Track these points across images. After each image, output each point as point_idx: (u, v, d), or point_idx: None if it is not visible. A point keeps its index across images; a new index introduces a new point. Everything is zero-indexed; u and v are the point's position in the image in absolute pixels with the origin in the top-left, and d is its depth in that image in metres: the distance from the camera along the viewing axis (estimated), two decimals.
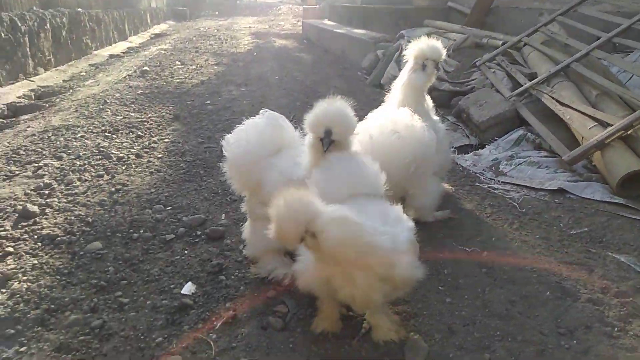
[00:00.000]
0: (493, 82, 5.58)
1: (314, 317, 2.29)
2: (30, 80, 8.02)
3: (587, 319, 2.34)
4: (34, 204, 3.39)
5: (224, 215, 3.38)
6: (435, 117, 3.41)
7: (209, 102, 6.63)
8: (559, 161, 4.18)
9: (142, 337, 2.22)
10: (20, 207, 3.32)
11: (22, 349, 2.11)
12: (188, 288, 2.57)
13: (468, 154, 4.71)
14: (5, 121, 5.78)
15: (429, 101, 3.36)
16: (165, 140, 4.94)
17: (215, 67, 9.09)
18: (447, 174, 3.83)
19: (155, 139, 4.98)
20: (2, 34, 7.06)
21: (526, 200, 3.65)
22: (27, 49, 7.89)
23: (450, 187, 3.82)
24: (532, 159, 4.32)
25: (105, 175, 3.99)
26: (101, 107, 6.01)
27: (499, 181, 4.09)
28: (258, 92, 7.05)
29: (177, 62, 9.79)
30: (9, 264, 2.71)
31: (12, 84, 7.41)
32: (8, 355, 2.06)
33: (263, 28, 16.56)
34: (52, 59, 8.94)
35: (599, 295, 2.51)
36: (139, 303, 2.45)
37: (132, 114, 5.84)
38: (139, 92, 6.90)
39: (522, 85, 5.17)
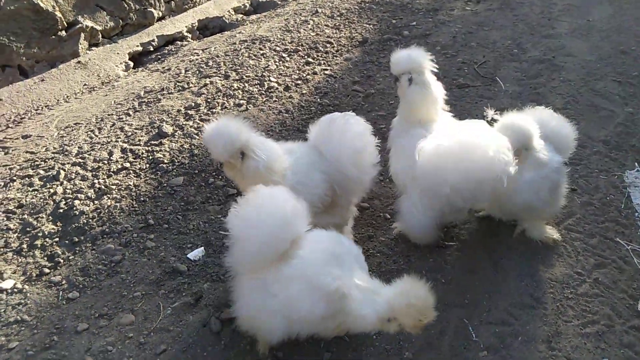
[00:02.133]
0: None
1: None
2: None
3: None
4: (173, 124, 4.08)
5: None
6: None
7: (414, 23, 6.13)
8: None
9: (131, 285, 2.69)
10: (162, 124, 4.04)
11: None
12: (196, 253, 2.87)
13: None
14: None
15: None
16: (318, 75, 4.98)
17: None
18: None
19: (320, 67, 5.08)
20: None
21: None
22: None
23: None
24: None
25: (246, 106, 4.38)
26: (313, 17, 6.27)
27: None
28: (479, 18, 6.09)
29: None
30: (117, 179, 3.47)
31: None
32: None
33: None
34: None
35: None
36: (155, 253, 2.90)
37: (327, 31, 5.94)
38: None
39: None
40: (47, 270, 2.78)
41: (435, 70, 2.80)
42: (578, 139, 3.85)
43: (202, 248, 2.91)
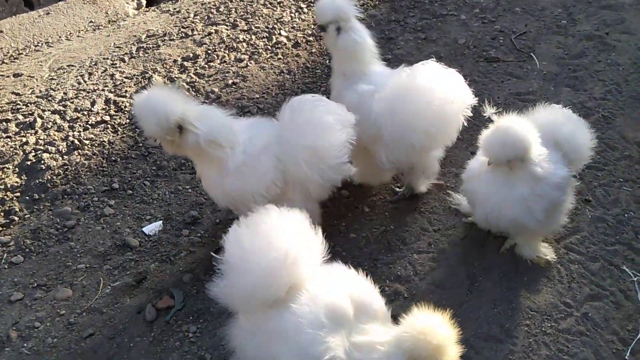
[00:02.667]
0: None
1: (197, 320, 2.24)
2: None
3: None
4: (165, 76, 3.84)
5: None
6: None
7: None
8: None
9: (78, 256, 2.57)
10: (153, 75, 3.80)
11: None
12: (153, 228, 2.70)
13: None
14: None
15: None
16: None
17: None
18: None
19: None
20: None
21: None
22: None
23: None
24: None
25: (247, 62, 4.06)
26: None
27: None
28: None
29: None
30: (92, 133, 3.30)
31: None
32: None
33: None
34: None
35: None
36: (111, 222, 2.75)
37: None
38: None
39: None
40: None
41: (361, 16, 2.53)
42: (609, 139, 3.38)
43: (161, 222, 2.73)
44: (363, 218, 2.79)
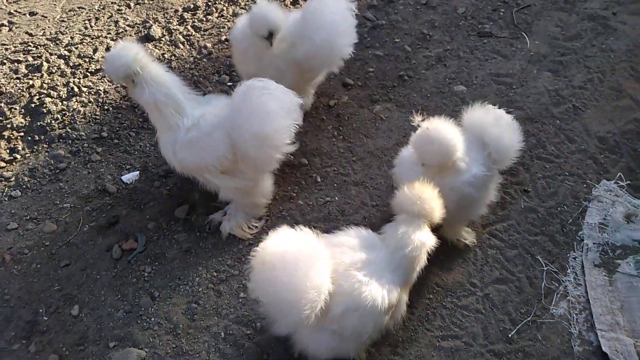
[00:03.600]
0: None
1: (153, 263, 2.73)
2: None
3: None
4: (163, 27, 4.09)
5: None
6: None
7: None
8: None
9: (65, 196, 3.03)
10: (153, 25, 4.07)
11: None
12: (130, 177, 3.11)
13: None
14: None
15: None
16: None
17: None
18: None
19: None
20: None
21: None
22: None
23: None
24: None
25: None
26: None
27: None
28: None
29: None
30: (90, 80, 3.66)
31: None
32: None
33: None
34: None
35: None
36: (97, 168, 3.17)
37: None
38: None
39: None
40: (2, 164, 3.15)
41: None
42: (571, 131, 3.51)
43: (138, 172, 3.13)
44: (314, 187, 3.11)
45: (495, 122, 2.57)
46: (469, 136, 2.55)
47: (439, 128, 2.40)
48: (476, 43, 4.21)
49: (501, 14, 4.52)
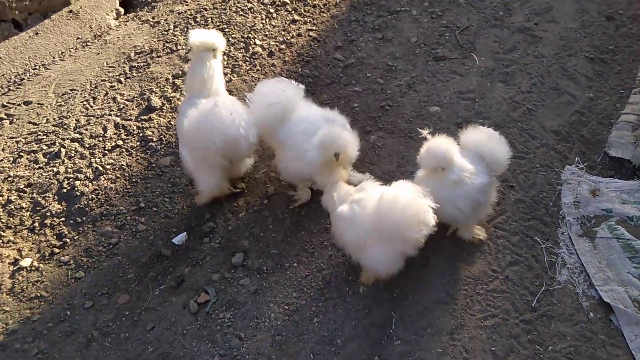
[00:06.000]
0: None
1: (229, 309, 3.12)
2: None
3: None
4: (161, 96, 4.44)
5: None
6: None
7: None
8: None
9: (126, 267, 3.32)
10: (151, 96, 4.40)
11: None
12: (180, 238, 3.45)
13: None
14: None
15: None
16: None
17: None
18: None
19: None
20: None
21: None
22: None
23: None
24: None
25: (230, 75, 4.66)
26: None
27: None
28: None
29: None
30: (111, 157, 3.95)
31: None
32: None
33: None
34: None
35: None
36: (146, 236, 3.48)
37: None
38: None
39: None
40: (57, 250, 3.39)
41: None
42: (531, 129, 4.25)
43: (185, 233, 3.48)
44: None
45: (488, 139, 3.21)
46: (468, 153, 3.17)
47: (437, 141, 3.02)
48: (435, 67, 4.91)
49: (447, 37, 5.27)
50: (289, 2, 5.63)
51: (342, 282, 3.20)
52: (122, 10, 5.92)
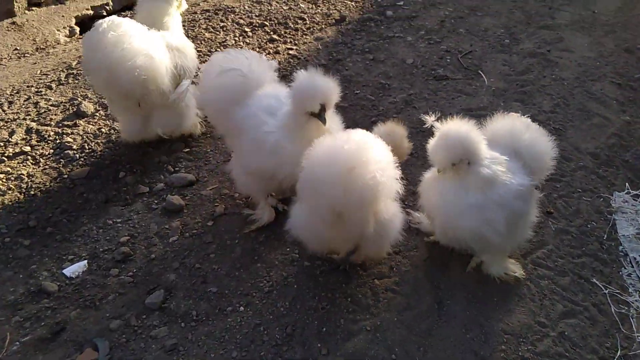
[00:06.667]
0: None
1: None
2: None
3: None
4: (96, 103, 3.53)
5: None
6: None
7: (400, 2, 5.52)
8: None
9: None
10: (82, 101, 3.46)
11: None
12: (75, 269, 2.33)
13: None
14: None
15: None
16: None
17: None
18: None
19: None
20: None
21: None
22: None
23: None
24: None
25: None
26: None
27: None
28: (474, 2, 5.54)
29: None
30: (9, 165, 2.92)
31: None
32: None
33: None
34: None
35: None
36: (25, 265, 2.36)
37: (302, 5, 5.31)
38: None
39: None
40: None
41: None
42: (563, 150, 3.32)
43: (85, 262, 2.36)
44: None
45: (526, 129, 2.26)
46: (498, 148, 2.20)
47: (452, 125, 2.06)
48: (437, 86, 4.10)
49: (448, 60, 4.54)
50: (267, 24, 4.95)
51: (313, 336, 2.05)
52: (77, 30, 5.18)
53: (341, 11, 5.40)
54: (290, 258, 2.45)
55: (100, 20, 2.56)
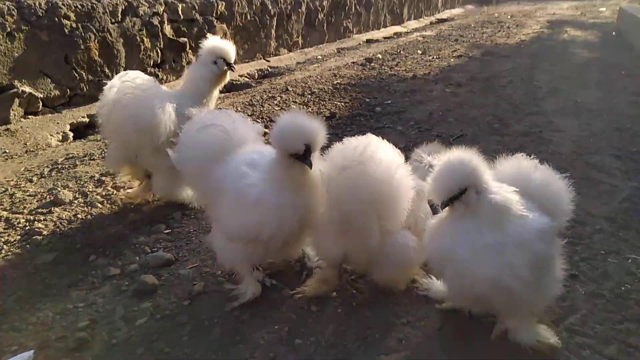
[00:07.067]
0: None
1: None
2: (266, 60, 8.55)
3: None
4: (76, 191, 3.35)
5: None
6: None
7: (388, 101, 5.71)
8: None
9: None
10: (61, 191, 3.28)
11: None
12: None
13: None
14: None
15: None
16: None
17: (452, 60, 8.05)
18: None
19: None
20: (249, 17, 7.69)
21: None
22: (273, 31, 8.41)
23: None
24: None
25: None
26: (282, 95, 5.90)
27: None
28: (460, 98, 5.79)
29: (419, 51, 9.19)
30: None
31: (247, 62, 8.04)
32: None
33: (570, 15, 14.28)
34: (300, 41, 9.35)
35: None
36: None
37: (293, 106, 5.45)
38: (338, 81, 6.53)
39: None
40: None
41: None
42: (576, 215, 3.06)
43: (32, 352, 1.96)
44: (310, 318, 2.15)
45: (534, 168, 2.06)
46: None
47: (450, 154, 1.86)
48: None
49: (440, 144, 4.48)
50: (259, 121, 5.01)
51: None
52: (71, 135, 5.21)
53: (331, 110, 5.52)
54: (278, 336, 2.06)
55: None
